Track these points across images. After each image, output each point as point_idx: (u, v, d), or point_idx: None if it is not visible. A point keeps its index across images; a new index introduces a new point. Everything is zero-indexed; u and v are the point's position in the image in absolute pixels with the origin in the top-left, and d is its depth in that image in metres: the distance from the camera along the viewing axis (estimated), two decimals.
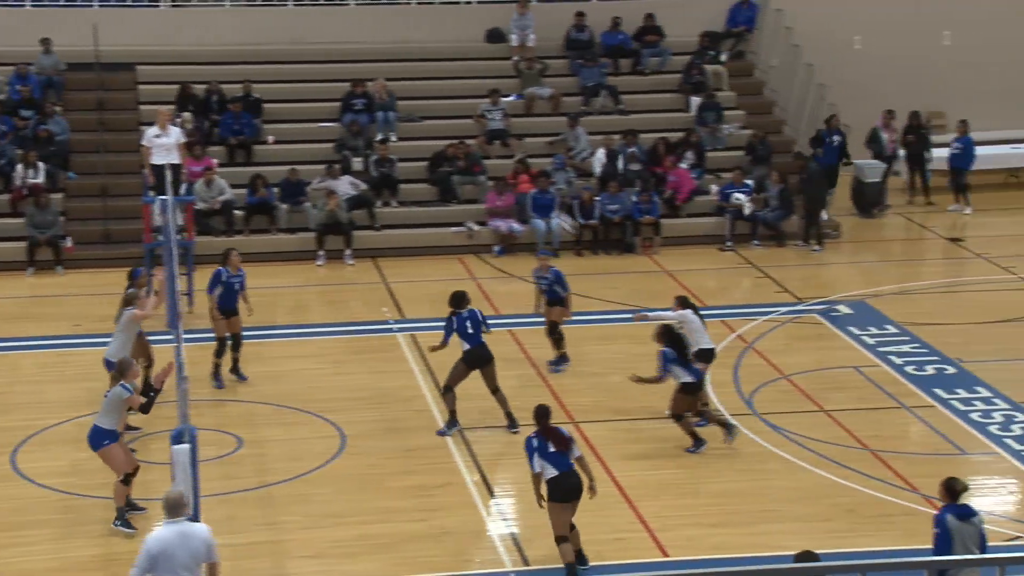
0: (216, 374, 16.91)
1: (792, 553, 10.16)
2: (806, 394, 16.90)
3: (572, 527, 12.31)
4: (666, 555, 12.89)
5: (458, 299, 15.64)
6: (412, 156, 24.87)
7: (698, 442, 15.02)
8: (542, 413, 12.44)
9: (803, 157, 25.02)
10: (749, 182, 24.38)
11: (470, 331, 15.41)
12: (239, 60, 26.01)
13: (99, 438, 13.17)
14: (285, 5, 27.21)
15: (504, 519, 13.78)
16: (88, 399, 15.92)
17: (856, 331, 19.20)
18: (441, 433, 15.50)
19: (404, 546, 13.05)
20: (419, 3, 27.83)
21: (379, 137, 24.98)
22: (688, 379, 14.83)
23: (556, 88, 26.50)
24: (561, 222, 23.51)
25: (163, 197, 19.18)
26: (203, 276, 20.57)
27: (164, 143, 22.09)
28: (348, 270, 22.70)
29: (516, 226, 23.67)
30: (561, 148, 25.20)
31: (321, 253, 22.99)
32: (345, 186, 23.63)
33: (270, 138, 24.92)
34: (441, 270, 22.37)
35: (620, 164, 24.68)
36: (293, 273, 22.41)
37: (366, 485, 14.42)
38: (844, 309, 20.35)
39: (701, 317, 15.89)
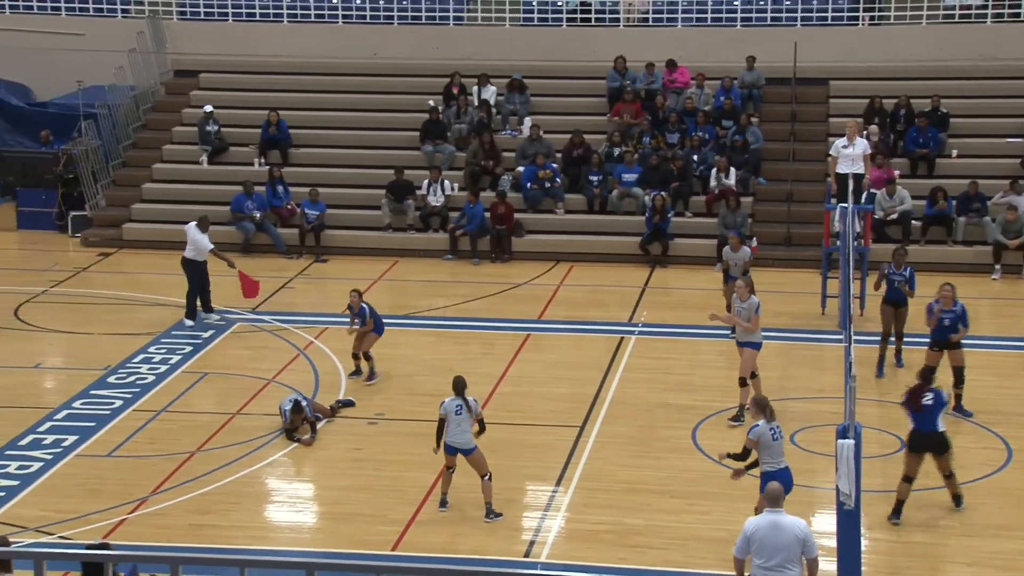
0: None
1: None
2: None
3: (950, 475, 13.12)
4: None
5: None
6: None
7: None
8: (924, 374, 13.28)
9: None
10: None
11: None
12: (930, 76, 25.30)
13: None
14: (984, 23, 26.08)
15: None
16: (764, 386, 16.17)
17: None
18: None
19: None
20: None
21: None
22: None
23: None
24: None
25: (844, 205, 19.08)
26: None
27: (850, 154, 21.94)
28: (1023, 286, 21.36)
29: None
30: None
31: (997, 267, 21.81)
32: None
33: (954, 152, 23.99)
34: None
35: None
36: (967, 285, 21.38)
37: None
38: None
39: None
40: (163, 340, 19.03)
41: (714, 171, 23.70)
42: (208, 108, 25.94)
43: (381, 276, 22.70)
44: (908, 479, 12.99)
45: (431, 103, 25.65)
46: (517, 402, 16.54)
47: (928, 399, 12.89)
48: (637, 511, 13.53)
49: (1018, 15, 26.03)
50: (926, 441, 12.89)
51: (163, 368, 17.87)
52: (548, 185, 24.13)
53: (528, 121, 25.48)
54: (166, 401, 16.71)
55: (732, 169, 23.70)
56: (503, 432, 15.39)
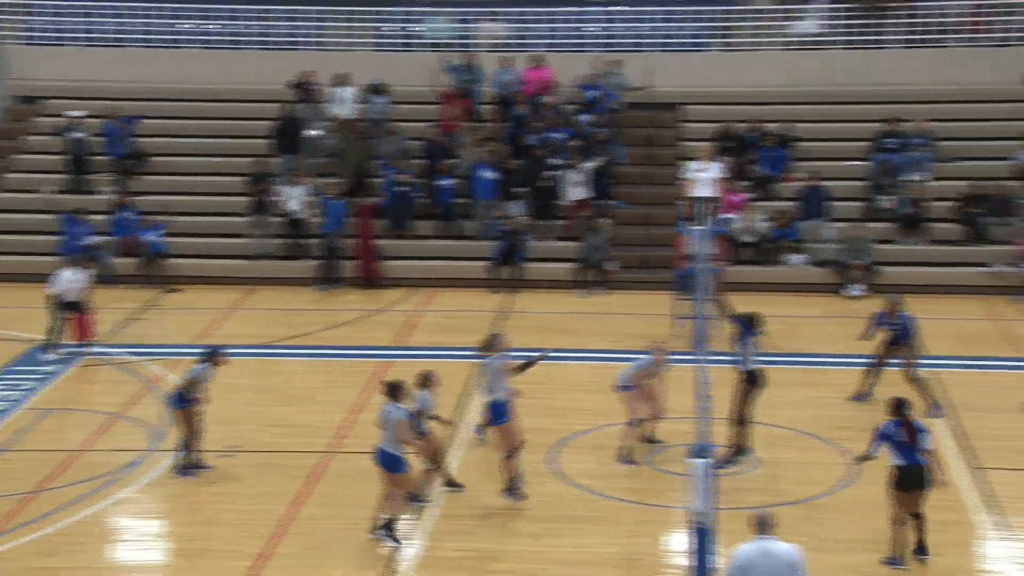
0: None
1: None
2: None
3: (918, 516, 12.53)
4: None
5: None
6: (943, 196, 23.80)
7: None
8: (900, 404, 12.64)
9: None
10: None
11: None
12: (779, 100, 26.01)
13: None
14: (831, 50, 26.90)
15: (1015, 563, 12.77)
16: (622, 409, 16.36)
17: None
18: None
19: None
20: (960, 46, 26.66)
21: (908, 176, 24.08)
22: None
23: None
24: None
25: (697, 227, 19.47)
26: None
27: (703, 177, 22.44)
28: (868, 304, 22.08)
29: None
30: None
31: (855, 285, 22.48)
32: None
33: (796, 175, 24.60)
34: (964, 310, 21.24)
35: None
36: (814, 305, 22.12)
37: (878, 514, 13.81)
38: None
39: None
40: (3, 376, 18.43)
41: (569, 172, 23.73)
42: (76, 113, 25.12)
43: (237, 305, 22.38)
44: (914, 515, 12.71)
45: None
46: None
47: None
48: (496, 537, 13.53)
49: (864, 42, 26.95)
50: (920, 477, 12.54)
51: (4, 405, 17.29)
52: (406, 190, 24.02)
53: None
54: (5, 439, 16.16)
55: (586, 164, 23.76)
56: (363, 461, 15.26)
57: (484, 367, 14.13)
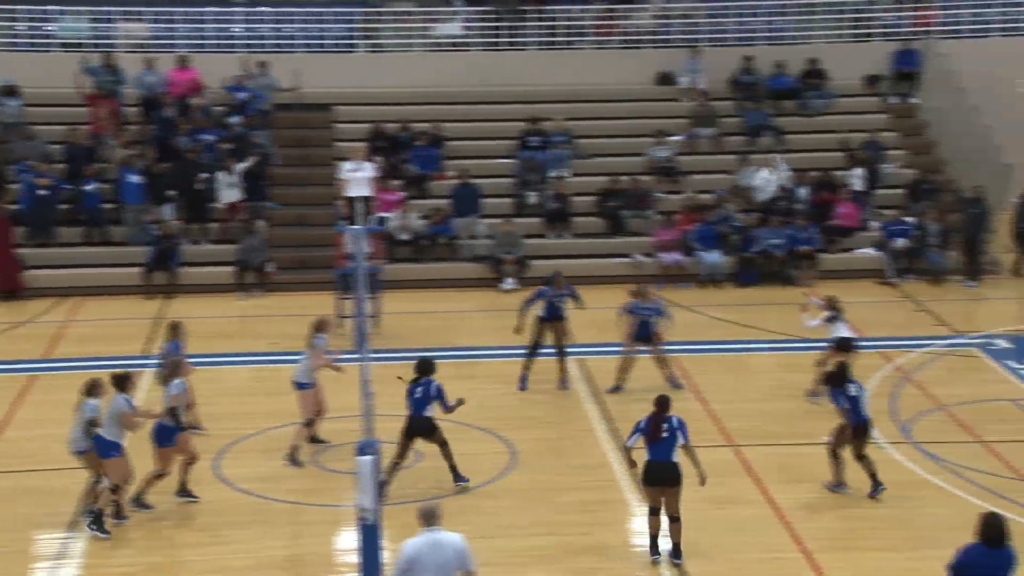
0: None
1: None
2: (963, 425, 16.34)
3: (677, 519, 12.61)
4: None
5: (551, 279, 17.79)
6: (585, 191, 24.97)
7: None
8: (660, 401, 12.73)
9: (967, 198, 24.26)
10: (909, 219, 23.98)
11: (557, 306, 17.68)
12: (426, 100, 26.52)
13: None
14: (471, 51, 27.66)
15: (663, 535, 13.62)
16: (285, 411, 16.29)
17: (1015, 365, 18.51)
18: None
19: (569, 558, 12.99)
20: (592, 48, 28.08)
21: (553, 173, 25.15)
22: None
23: (722, 128, 26.37)
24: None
25: (354, 227, 19.60)
26: (389, 299, 20.97)
27: (358, 177, 22.60)
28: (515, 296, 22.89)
29: (680, 258, 23.63)
30: (728, 184, 25.07)
31: (509, 279, 23.21)
32: None
33: (450, 173, 25.25)
34: (608, 298, 22.32)
35: (783, 198, 24.53)
36: (471, 299, 22.70)
37: (534, 499, 14.42)
38: (1003, 343, 19.64)
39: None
40: None
41: (221, 174, 23.38)
42: None
43: None
44: (654, 511, 12.75)
45: None
46: (28, 447, 15.66)
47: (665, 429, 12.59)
48: (159, 548, 13.20)
49: (505, 44, 27.87)
50: (664, 473, 12.57)
51: None
52: (47, 195, 22.98)
53: None
54: None
55: (239, 166, 23.51)
56: (10, 480, 14.54)
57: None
